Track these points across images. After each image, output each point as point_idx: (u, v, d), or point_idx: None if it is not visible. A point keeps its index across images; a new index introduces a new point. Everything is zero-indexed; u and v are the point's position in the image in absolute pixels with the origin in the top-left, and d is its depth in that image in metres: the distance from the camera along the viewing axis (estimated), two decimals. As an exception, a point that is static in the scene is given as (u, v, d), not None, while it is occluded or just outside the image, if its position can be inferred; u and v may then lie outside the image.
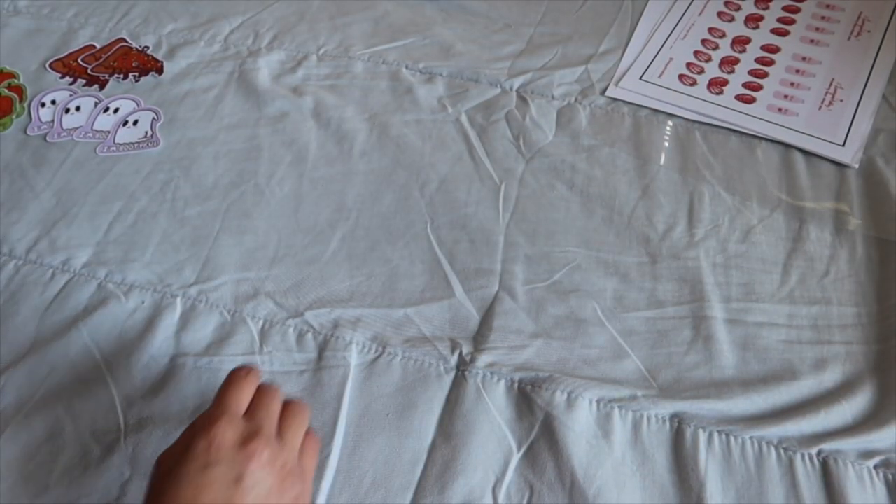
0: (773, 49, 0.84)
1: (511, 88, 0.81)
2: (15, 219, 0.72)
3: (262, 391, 0.51)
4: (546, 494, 0.54)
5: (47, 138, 0.79)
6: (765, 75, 0.81)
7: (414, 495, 0.54)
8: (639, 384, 0.59)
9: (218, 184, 0.74)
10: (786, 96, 0.79)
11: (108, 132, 0.79)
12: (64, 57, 0.87)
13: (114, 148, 0.78)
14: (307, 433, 0.51)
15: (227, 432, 0.47)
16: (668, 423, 0.57)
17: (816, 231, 0.68)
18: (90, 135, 0.79)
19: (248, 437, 0.47)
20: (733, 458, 0.55)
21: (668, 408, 0.57)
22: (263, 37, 0.89)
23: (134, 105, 0.82)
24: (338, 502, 0.54)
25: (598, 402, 0.58)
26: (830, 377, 0.59)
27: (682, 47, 0.85)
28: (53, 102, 0.82)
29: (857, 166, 0.72)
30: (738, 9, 0.89)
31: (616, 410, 0.57)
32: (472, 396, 0.58)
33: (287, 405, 0.51)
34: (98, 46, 0.89)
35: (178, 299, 0.66)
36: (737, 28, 0.87)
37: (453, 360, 0.61)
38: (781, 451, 0.55)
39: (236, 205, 0.72)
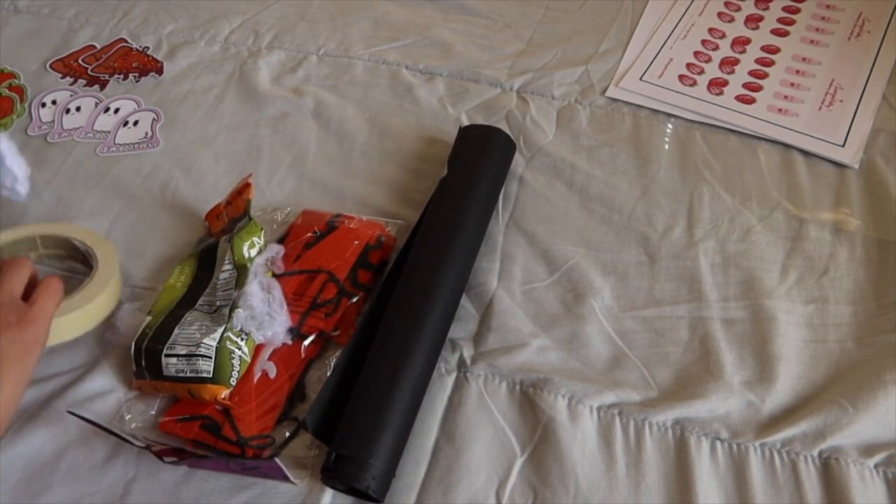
0: (773, 49, 0.84)
1: (511, 88, 0.81)
2: (16, 218, 0.72)
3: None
4: (550, 499, 0.54)
5: (48, 138, 0.79)
6: (765, 76, 0.81)
7: (418, 496, 0.54)
8: (638, 386, 0.59)
9: (218, 184, 0.74)
10: (786, 97, 0.79)
11: (109, 132, 0.80)
12: (64, 57, 0.87)
13: (114, 148, 0.78)
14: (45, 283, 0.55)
15: None
16: (670, 431, 0.56)
17: (816, 231, 0.68)
18: (90, 135, 0.79)
19: None
20: (738, 465, 0.55)
21: (669, 414, 0.57)
22: (263, 37, 0.89)
23: (134, 105, 0.82)
24: (344, 501, 0.54)
25: (599, 409, 0.58)
26: (827, 375, 0.59)
27: (682, 48, 0.85)
28: (54, 103, 0.83)
29: (857, 167, 0.72)
30: (738, 9, 0.89)
31: (617, 419, 0.57)
32: (475, 398, 0.59)
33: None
34: (98, 46, 0.89)
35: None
36: (737, 28, 0.87)
37: (454, 360, 0.61)
38: (784, 455, 0.55)
39: (237, 205, 0.72)
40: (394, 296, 0.61)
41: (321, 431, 0.55)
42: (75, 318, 0.58)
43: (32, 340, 0.51)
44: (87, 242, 0.64)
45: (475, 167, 0.69)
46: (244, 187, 0.65)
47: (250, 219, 0.63)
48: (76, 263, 0.66)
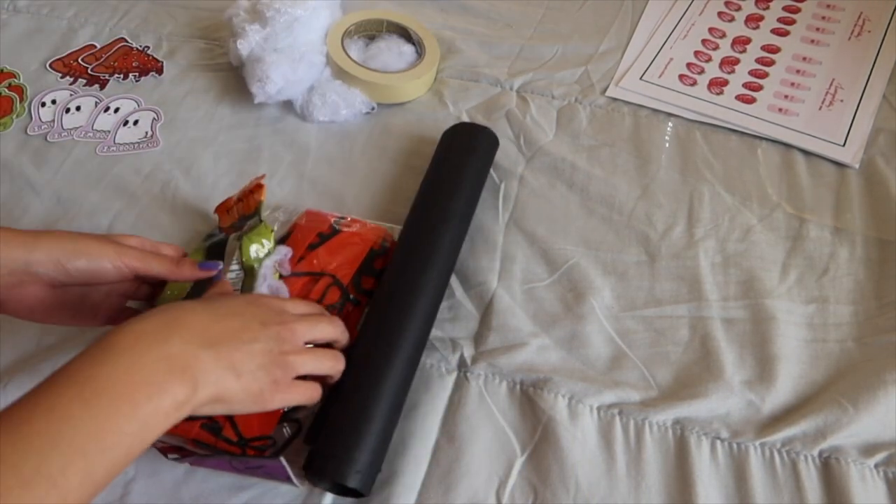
0: (774, 49, 0.84)
1: (511, 88, 0.81)
2: (16, 218, 0.72)
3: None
4: (550, 499, 0.54)
5: (48, 138, 0.79)
6: (765, 75, 0.81)
7: (418, 496, 0.54)
8: (638, 385, 0.59)
9: (218, 184, 0.74)
10: (786, 96, 0.79)
11: (109, 132, 0.79)
12: (64, 56, 0.87)
13: (114, 148, 0.78)
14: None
15: (274, 302, 0.53)
16: (670, 431, 0.57)
17: (816, 230, 0.68)
18: (90, 134, 0.79)
19: (285, 319, 0.51)
20: (738, 465, 0.55)
21: (669, 413, 0.57)
22: (264, 36, 0.88)
23: (134, 105, 0.82)
24: (344, 501, 0.54)
25: (599, 408, 0.58)
26: (827, 375, 0.59)
27: (683, 47, 0.85)
28: (54, 102, 0.82)
29: (857, 166, 0.72)
30: (739, 9, 0.89)
31: (617, 419, 0.57)
32: (475, 398, 0.59)
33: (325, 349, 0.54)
34: (98, 46, 0.88)
35: (179, 299, 0.66)
36: (737, 28, 0.87)
37: (454, 360, 0.61)
38: (784, 454, 0.55)
39: (237, 205, 0.72)
40: (374, 295, 0.61)
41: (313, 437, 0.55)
42: (414, 84, 0.80)
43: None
44: (420, 34, 0.84)
45: (447, 163, 0.69)
46: (256, 187, 0.64)
47: (261, 221, 0.62)
48: (408, 44, 0.85)
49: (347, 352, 0.57)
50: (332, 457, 0.52)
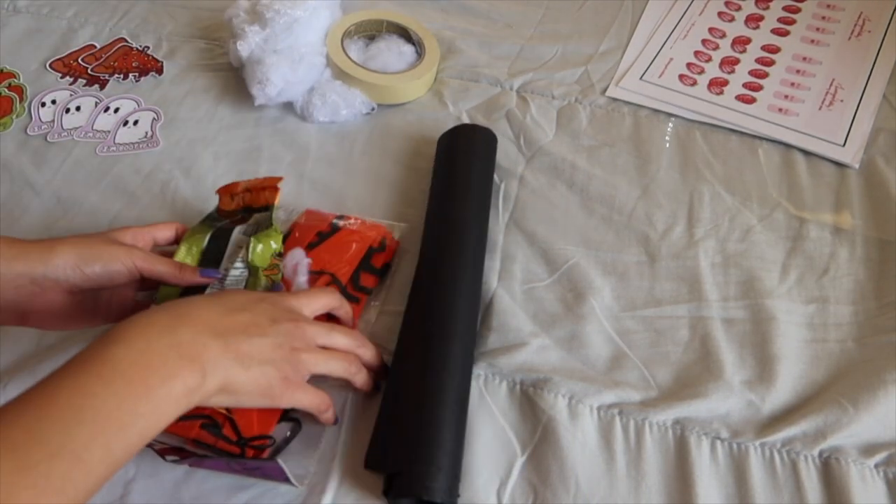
0: (774, 49, 0.84)
1: (511, 88, 0.81)
2: (16, 218, 0.72)
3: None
4: (550, 499, 0.53)
5: (48, 138, 0.79)
6: (765, 75, 0.81)
7: (418, 495, 0.54)
8: (638, 385, 0.59)
9: (218, 184, 0.74)
10: (786, 96, 0.79)
11: (109, 132, 0.79)
12: (64, 56, 0.87)
13: (114, 148, 0.78)
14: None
15: (286, 299, 0.53)
16: (670, 431, 0.56)
17: (816, 231, 0.68)
18: (90, 135, 0.79)
19: (296, 317, 0.52)
20: (738, 465, 0.54)
21: (669, 413, 0.57)
22: (264, 36, 0.88)
23: (134, 105, 0.82)
24: (344, 501, 0.54)
25: (599, 408, 0.58)
26: (827, 375, 0.59)
27: (683, 47, 0.85)
28: (54, 102, 0.82)
29: (857, 166, 0.72)
30: (739, 9, 0.89)
31: (617, 419, 0.57)
32: (475, 398, 0.58)
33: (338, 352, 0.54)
34: (98, 46, 0.88)
35: (179, 299, 0.65)
36: (737, 28, 0.87)
37: (454, 360, 0.61)
38: (784, 454, 0.55)
39: (237, 205, 0.72)
40: (412, 307, 0.61)
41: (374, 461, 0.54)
42: (414, 85, 0.80)
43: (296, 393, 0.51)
44: (420, 34, 0.84)
45: (464, 166, 0.69)
46: (271, 188, 0.64)
47: (272, 224, 0.62)
48: (408, 44, 0.84)
49: (386, 368, 0.58)
50: (422, 474, 0.51)
